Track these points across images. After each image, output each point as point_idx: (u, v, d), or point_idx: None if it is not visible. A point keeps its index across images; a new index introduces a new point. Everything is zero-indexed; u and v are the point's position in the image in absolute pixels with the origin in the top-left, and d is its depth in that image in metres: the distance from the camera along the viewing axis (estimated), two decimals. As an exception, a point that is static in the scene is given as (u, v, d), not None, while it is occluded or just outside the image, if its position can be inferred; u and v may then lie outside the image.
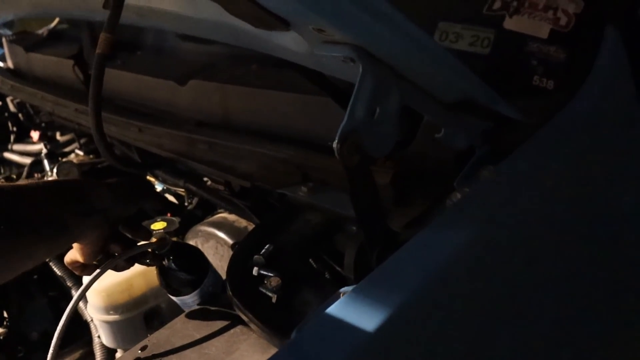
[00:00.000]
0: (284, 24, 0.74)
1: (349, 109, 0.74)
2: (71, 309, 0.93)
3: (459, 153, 0.94)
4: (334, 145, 0.74)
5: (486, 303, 0.78)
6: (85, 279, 1.29)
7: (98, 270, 0.95)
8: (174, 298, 1.02)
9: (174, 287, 1.01)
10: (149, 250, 0.99)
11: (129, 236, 0.99)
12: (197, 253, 1.05)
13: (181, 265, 1.00)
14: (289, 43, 0.85)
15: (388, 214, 0.92)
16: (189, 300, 1.00)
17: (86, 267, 0.97)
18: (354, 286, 0.73)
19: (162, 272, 1.01)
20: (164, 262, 0.99)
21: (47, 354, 0.91)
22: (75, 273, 0.98)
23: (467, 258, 0.77)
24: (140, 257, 1.00)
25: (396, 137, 0.81)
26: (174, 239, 1.30)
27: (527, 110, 0.94)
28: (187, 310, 1.00)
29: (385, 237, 0.87)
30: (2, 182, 1.94)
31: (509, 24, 1.10)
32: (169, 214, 1.63)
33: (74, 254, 0.95)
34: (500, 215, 0.84)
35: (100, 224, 0.89)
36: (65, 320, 0.92)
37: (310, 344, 0.66)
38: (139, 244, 0.99)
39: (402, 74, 0.79)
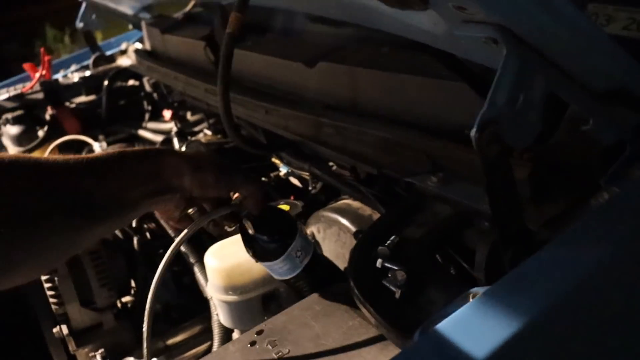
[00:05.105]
0: (422, 2, 0.69)
1: (489, 95, 0.69)
2: (162, 270, 0.92)
3: (605, 148, 0.86)
4: (472, 134, 0.69)
5: (635, 318, 0.70)
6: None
7: (183, 234, 0.92)
8: (260, 264, 0.98)
9: (259, 253, 0.97)
10: (229, 211, 0.95)
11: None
12: (283, 216, 1.01)
13: (265, 230, 0.95)
14: (424, 23, 0.80)
15: (524, 211, 0.86)
16: (276, 267, 0.96)
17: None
18: (486, 288, 0.68)
19: (246, 237, 0.97)
20: (246, 227, 0.95)
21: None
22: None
23: (615, 267, 0.70)
24: (225, 219, 0.96)
25: (539, 128, 0.75)
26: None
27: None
28: (283, 278, 0.98)
29: (521, 236, 0.81)
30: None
31: (672, 5, 1.00)
32: (292, 197, 1.63)
33: None
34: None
35: (174, 200, 0.88)
36: (157, 281, 0.93)
37: (436, 350, 0.61)
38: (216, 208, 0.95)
39: (549, 58, 0.73)
